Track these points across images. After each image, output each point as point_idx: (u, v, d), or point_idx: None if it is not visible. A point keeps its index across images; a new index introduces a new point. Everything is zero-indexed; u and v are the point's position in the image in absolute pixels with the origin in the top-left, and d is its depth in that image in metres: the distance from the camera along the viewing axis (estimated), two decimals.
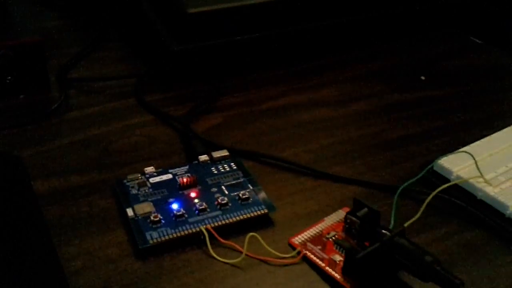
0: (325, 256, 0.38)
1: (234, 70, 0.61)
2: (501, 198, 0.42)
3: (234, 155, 0.47)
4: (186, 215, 0.41)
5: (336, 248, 0.39)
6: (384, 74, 0.63)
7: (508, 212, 0.41)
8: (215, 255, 0.38)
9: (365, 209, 0.39)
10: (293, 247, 0.39)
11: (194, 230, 0.40)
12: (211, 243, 0.39)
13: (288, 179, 0.47)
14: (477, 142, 0.48)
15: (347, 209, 0.41)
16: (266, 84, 0.60)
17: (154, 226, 0.40)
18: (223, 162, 0.47)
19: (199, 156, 0.47)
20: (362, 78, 0.62)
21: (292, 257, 0.39)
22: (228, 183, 0.44)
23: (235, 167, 0.46)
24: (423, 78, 0.62)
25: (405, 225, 0.39)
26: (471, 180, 0.43)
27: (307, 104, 0.57)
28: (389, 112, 0.56)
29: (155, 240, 0.39)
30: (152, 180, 0.44)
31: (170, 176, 0.45)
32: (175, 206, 0.41)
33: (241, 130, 0.53)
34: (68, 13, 0.73)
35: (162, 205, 0.41)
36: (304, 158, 0.49)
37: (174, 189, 0.43)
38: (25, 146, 0.49)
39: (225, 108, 0.56)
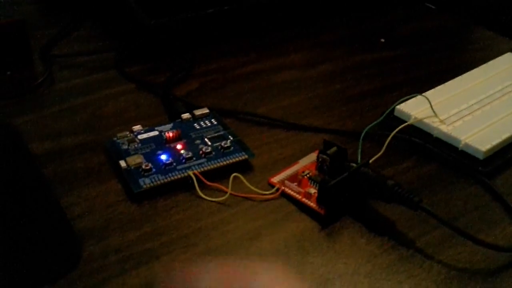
0: (301, 190, 0.43)
1: (206, 41, 0.65)
2: (454, 134, 0.47)
3: (214, 113, 0.52)
4: (174, 164, 0.45)
5: (311, 183, 0.43)
6: (347, 40, 0.68)
7: (460, 146, 0.47)
8: (203, 195, 0.43)
9: (334, 148, 0.43)
10: (272, 186, 0.44)
11: (182, 175, 0.44)
12: (198, 187, 0.43)
13: (263, 131, 0.51)
14: (432, 90, 0.53)
15: (318, 152, 0.46)
16: (238, 53, 0.64)
17: (146, 173, 0.44)
18: (204, 118, 0.51)
19: (182, 115, 0.51)
20: (327, 44, 0.67)
21: (272, 193, 0.43)
22: (210, 136, 0.48)
23: (215, 123, 0.50)
24: (382, 40, 0.67)
25: (370, 160, 0.44)
26: (427, 120, 0.48)
27: (277, 68, 0.61)
28: (352, 72, 0.61)
29: (148, 185, 0.43)
30: (140, 136, 0.48)
31: (156, 132, 0.49)
32: (163, 156, 0.46)
33: (217, 93, 0.57)
34: None
35: (151, 157, 0.46)
36: (276, 113, 0.53)
37: (161, 143, 0.47)
38: (17, 115, 0.52)
39: (200, 75, 0.60)
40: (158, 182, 0.43)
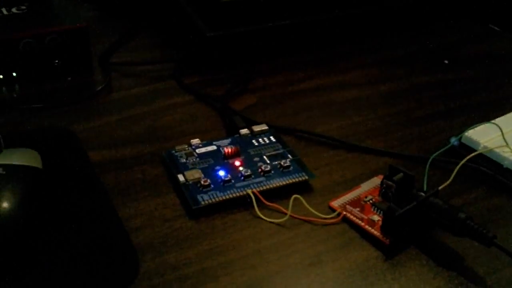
0: (364, 216, 0.41)
1: (264, 56, 0.64)
2: None
3: (273, 130, 0.51)
4: (233, 181, 0.44)
5: (374, 210, 0.42)
6: (409, 59, 0.66)
7: None
8: (261, 215, 0.41)
9: (401, 174, 0.42)
10: (333, 210, 0.43)
11: (241, 194, 0.43)
12: (257, 206, 0.42)
13: (323, 151, 0.50)
14: (503, 117, 0.50)
15: (382, 177, 0.44)
16: (296, 68, 0.63)
17: (204, 189, 0.43)
18: (262, 135, 0.50)
19: (240, 130, 0.50)
20: (387, 62, 0.65)
21: (333, 217, 0.42)
22: (269, 154, 0.47)
23: (274, 140, 0.49)
24: (446, 62, 0.65)
25: (440, 187, 0.42)
26: (497, 150, 0.46)
27: (336, 86, 0.60)
28: (415, 93, 0.59)
29: (206, 202, 0.42)
30: (198, 150, 0.47)
31: (214, 147, 0.48)
32: (221, 173, 0.45)
33: (275, 109, 0.56)
34: (102, 4, 0.76)
35: (209, 172, 0.45)
36: (337, 133, 0.52)
37: (219, 158, 0.47)
38: (76, 122, 0.52)
39: (258, 90, 0.59)
40: (217, 199, 0.42)
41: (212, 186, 0.43)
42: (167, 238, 0.40)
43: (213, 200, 0.42)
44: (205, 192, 0.43)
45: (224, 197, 0.42)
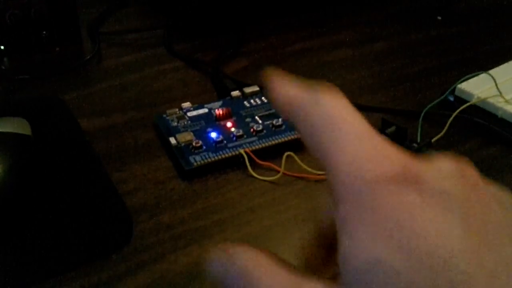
0: None
1: (255, 19, 0.63)
2: None
3: (264, 90, 0.50)
4: (225, 141, 0.44)
5: None
6: (400, 17, 0.65)
7: None
8: (254, 174, 0.41)
9: (393, 127, 0.41)
10: None
11: (233, 153, 0.43)
12: (250, 165, 0.42)
13: None
14: (496, 68, 0.50)
15: None
16: (287, 30, 0.62)
17: (196, 151, 0.43)
18: (254, 96, 0.49)
19: (232, 92, 0.49)
20: (379, 21, 0.64)
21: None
22: (261, 114, 0.47)
23: (266, 101, 0.49)
24: (439, 18, 0.64)
25: (433, 139, 0.42)
26: (491, 100, 0.45)
27: (329, 46, 0.59)
28: (408, 50, 0.58)
29: (198, 163, 0.42)
30: (189, 114, 0.47)
31: (206, 110, 0.48)
32: (213, 134, 0.44)
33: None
34: None
35: (201, 134, 0.44)
36: None
37: (211, 120, 0.46)
38: (67, 91, 0.51)
39: (250, 53, 0.58)
40: (209, 160, 0.42)
41: (204, 147, 0.43)
42: (160, 200, 0.39)
43: (206, 160, 0.42)
44: (197, 154, 0.42)
45: (216, 158, 0.42)
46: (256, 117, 0.47)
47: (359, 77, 0.54)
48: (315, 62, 0.57)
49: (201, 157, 0.42)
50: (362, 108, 0.49)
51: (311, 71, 0.55)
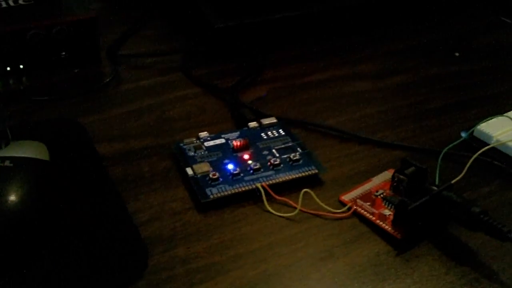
0: (374, 211, 0.41)
1: (275, 47, 0.64)
2: None
3: (282, 122, 0.50)
4: (241, 174, 0.43)
5: (385, 204, 0.41)
6: (420, 50, 0.65)
7: None
8: (271, 209, 0.41)
9: (413, 168, 0.41)
10: (343, 204, 0.42)
11: (250, 187, 0.42)
12: (266, 200, 0.42)
13: (333, 145, 0.49)
14: None
15: (393, 170, 0.44)
16: (307, 59, 0.62)
17: (213, 183, 0.42)
18: (271, 128, 0.49)
19: (249, 123, 0.49)
20: (399, 53, 0.64)
21: (344, 212, 0.41)
22: (278, 147, 0.47)
23: (283, 133, 0.49)
24: (457, 54, 0.64)
25: (453, 181, 0.41)
26: (510, 143, 0.45)
27: (348, 78, 0.59)
28: (427, 85, 0.58)
29: (215, 195, 0.41)
30: (206, 143, 0.47)
31: (223, 140, 0.47)
32: (230, 166, 0.44)
33: (285, 101, 0.55)
34: None
35: (218, 165, 0.44)
36: (348, 126, 0.51)
37: (228, 151, 0.46)
38: (84, 114, 0.51)
39: (268, 82, 0.58)
40: (226, 193, 0.42)
41: (221, 179, 0.43)
42: (176, 232, 0.39)
43: (222, 193, 0.42)
44: (214, 186, 0.42)
45: (233, 191, 0.42)
46: (273, 150, 0.46)
47: (378, 111, 0.53)
48: (334, 93, 0.56)
49: (217, 189, 0.42)
50: (380, 144, 0.49)
51: (330, 102, 0.55)
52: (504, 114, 0.48)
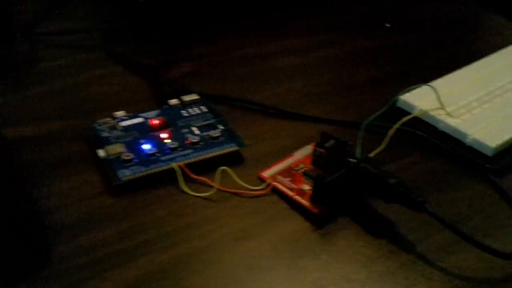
0: (294, 186, 0.40)
1: (200, 22, 0.61)
2: (461, 128, 0.43)
3: (204, 99, 0.48)
4: (157, 154, 0.41)
5: (305, 179, 0.40)
6: (351, 24, 0.64)
7: (467, 140, 0.43)
8: (187, 190, 0.39)
9: (332, 141, 0.40)
10: (262, 180, 0.41)
11: (165, 167, 0.40)
12: (184, 180, 0.40)
13: (257, 120, 0.48)
14: (439, 79, 0.49)
15: (314, 145, 0.43)
16: (236, 34, 0.60)
17: (126, 164, 0.40)
18: (193, 105, 0.47)
19: (169, 100, 0.47)
20: (330, 27, 0.63)
21: (262, 189, 0.40)
22: (199, 124, 0.45)
23: (205, 110, 0.47)
24: (388, 25, 0.63)
25: (370, 154, 0.41)
26: (432, 112, 0.45)
27: (275, 52, 0.58)
28: (355, 58, 0.57)
29: (127, 177, 0.39)
30: (123, 123, 0.45)
31: (140, 119, 0.45)
32: (146, 146, 0.42)
33: (211, 78, 0.53)
34: None
35: (133, 146, 0.42)
36: (273, 100, 0.50)
37: (145, 131, 0.44)
38: None
39: (195, 58, 0.56)
40: (139, 174, 0.40)
41: (135, 160, 0.41)
42: (83, 218, 0.37)
43: (136, 175, 0.40)
44: (127, 167, 0.40)
45: (147, 172, 0.40)
46: (193, 128, 0.44)
47: (304, 86, 0.52)
48: (262, 69, 0.55)
49: (130, 171, 0.40)
50: (304, 118, 0.48)
51: (256, 78, 0.53)
52: (428, 83, 0.47)
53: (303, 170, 0.41)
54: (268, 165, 0.42)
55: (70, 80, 0.51)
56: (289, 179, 0.40)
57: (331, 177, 0.37)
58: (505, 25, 0.65)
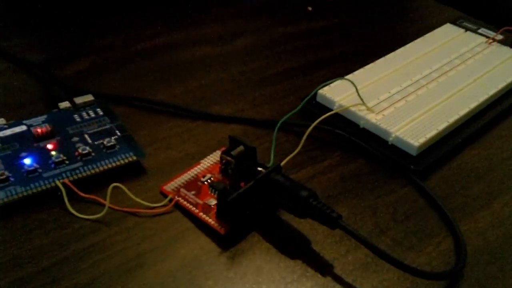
0: (199, 201, 0.35)
1: (100, 12, 0.55)
2: (383, 125, 0.40)
3: (101, 101, 0.42)
4: (40, 170, 0.36)
5: (211, 192, 0.35)
6: (270, 8, 0.59)
7: (390, 139, 0.40)
8: (73, 212, 0.34)
9: (241, 147, 0.35)
10: (165, 195, 0.36)
11: (49, 186, 0.35)
12: (71, 199, 0.34)
13: (163, 122, 0.42)
14: (359, 70, 0.46)
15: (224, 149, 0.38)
16: (142, 23, 0.55)
17: (0, 184, 0.34)
18: (87, 108, 0.41)
19: (59, 103, 0.41)
20: (247, 13, 0.58)
21: (163, 205, 0.35)
22: (92, 131, 0.39)
23: (101, 113, 0.41)
24: (310, 8, 0.59)
25: (285, 160, 0.37)
26: (352, 108, 0.41)
27: (187, 43, 0.52)
28: (273, 46, 0.53)
29: (2, 200, 0.33)
30: (1, 133, 0.38)
31: (23, 127, 0.39)
32: (27, 161, 0.36)
33: (111, 74, 0.47)
34: None
35: (12, 161, 0.36)
36: (182, 99, 0.45)
37: (28, 142, 0.38)
38: None
39: (93, 52, 0.50)
40: (16, 197, 0.34)
41: (11, 179, 0.35)
42: None
43: (11, 197, 0.34)
44: (2, 188, 0.34)
45: (26, 193, 0.34)
46: (86, 135, 0.39)
47: (216, 80, 0.47)
48: (168, 62, 0.49)
49: (5, 192, 0.34)
50: (215, 118, 0.43)
51: (163, 73, 0.48)
52: (345, 77, 0.43)
53: (210, 181, 0.36)
54: (172, 176, 0.37)
55: None
56: (193, 192, 0.35)
57: (236, 193, 0.32)
58: (435, 7, 0.62)
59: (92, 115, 0.41)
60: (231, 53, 0.51)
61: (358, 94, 0.41)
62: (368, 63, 0.47)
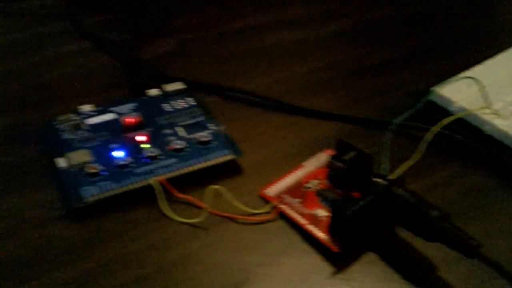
0: (305, 211, 0.31)
1: None
2: (511, 131, 0.35)
3: (191, 89, 0.39)
4: (132, 165, 0.33)
5: (320, 201, 0.31)
6: None
7: None
8: (169, 214, 0.31)
9: (353, 152, 0.31)
10: (266, 201, 0.32)
11: (142, 184, 0.32)
12: (164, 200, 0.31)
13: (257, 115, 0.39)
14: (480, 65, 0.40)
15: (330, 152, 0.34)
16: (225, 4, 0.51)
17: (91, 179, 0.32)
18: (177, 97, 0.38)
19: (148, 90, 0.38)
20: None
21: (266, 212, 0.31)
22: (185, 123, 0.36)
23: (193, 103, 0.38)
24: None
25: (402, 169, 0.32)
26: (476, 112, 0.36)
27: (274, 26, 0.48)
28: (371, 32, 0.48)
29: (93, 197, 0.31)
30: (89, 121, 0.36)
31: (112, 115, 0.36)
32: (118, 153, 0.33)
33: (198, 58, 0.44)
34: None
35: (102, 153, 0.33)
36: (275, 89, 0.41)
37: (117, 132, 0.35)
38: None
39: (178, 32, 0.47)
40: (108, 194, 0.31)
41: (103, 173, 0.32)
42: (35, 254, 0.28)
43: (103, 194, 0.31)
44: (93, 183, 0.31)
45: (118, 190, 0.31)
46: (178, 128, 0.36)
47: (310, 70, 0.43)
48: (257, 47, 0.46)
49: (98, 188, 0.31)
50: (314, 113, 0.39)
51: (252, 59, 0.44)
52: (466, 74, 0.39)
53: (316, 188, 0.32)
54: (271, 179, 0.33)
55: (25, 61, 0.42)
56: (299, 200, 0.32)
57: (354, 208, 0.28)
58: None
59: (184, 105, 0.38)
60: (323, 39, 0.47)
61: (483, 95, 0.36)
62: (485, 56, 0.42)
